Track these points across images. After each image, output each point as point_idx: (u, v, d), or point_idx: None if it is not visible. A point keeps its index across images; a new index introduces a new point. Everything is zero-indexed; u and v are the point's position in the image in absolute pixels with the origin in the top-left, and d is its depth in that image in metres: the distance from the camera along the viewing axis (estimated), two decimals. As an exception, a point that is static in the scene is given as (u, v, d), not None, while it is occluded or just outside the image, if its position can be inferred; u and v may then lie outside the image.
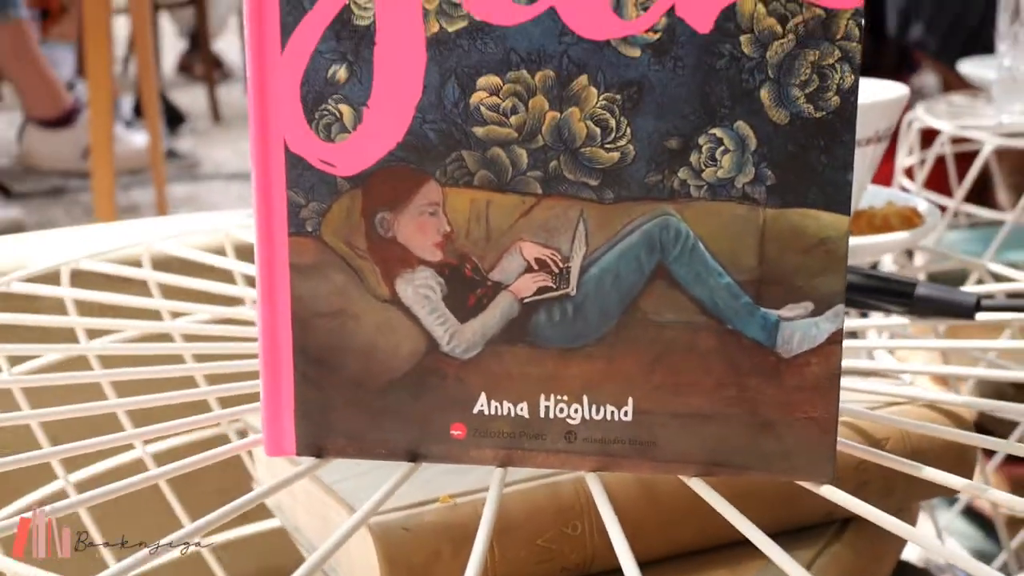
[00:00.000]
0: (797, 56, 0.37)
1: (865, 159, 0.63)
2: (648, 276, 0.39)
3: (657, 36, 0.38)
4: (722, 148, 0.38)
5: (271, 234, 0.40)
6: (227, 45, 4.56)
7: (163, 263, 0.68)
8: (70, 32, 2.83)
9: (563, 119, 0.38)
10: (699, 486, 0.40)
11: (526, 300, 0.40)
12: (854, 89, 0.38)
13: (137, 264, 0.66)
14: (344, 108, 0.39)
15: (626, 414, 0.40)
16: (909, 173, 1.15)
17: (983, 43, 1.20)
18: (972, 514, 1.13)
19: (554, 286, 0.40)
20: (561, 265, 0.40)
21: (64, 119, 2.47)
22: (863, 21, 0.37)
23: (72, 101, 2.50)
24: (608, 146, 0.39)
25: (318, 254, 0.40)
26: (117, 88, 2.78)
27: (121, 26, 3.54)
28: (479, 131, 0.39)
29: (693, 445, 0.40)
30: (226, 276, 0.67)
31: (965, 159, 1.17)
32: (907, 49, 2.25)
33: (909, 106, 2.64)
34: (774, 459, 0.40)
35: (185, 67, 4.43)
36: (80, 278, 0.64)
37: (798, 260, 0.39)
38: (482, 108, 0.39)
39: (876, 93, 0.64)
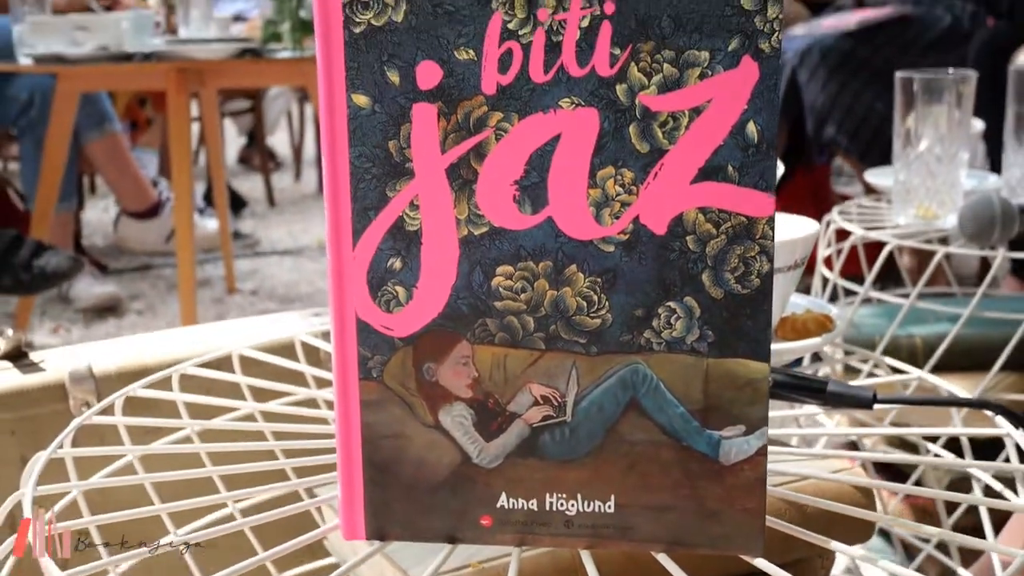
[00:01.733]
0: (728, 251, 0.42)
1: (787, 281, 0.68)
2: (623, 407, 0.44)
3: (626, 237, 0.43)
4: (675, 316, 0.43)
5: (347, 379, 0.45)
6: (279, 141, 4.62)
7: (250, 366, 0.72)
8: (154, 140, 2.89)
9: (559, 296, 0.43)
10: (664, 559, 0.45)
11: (534, 425, 0.45)
12: (770, 273, 0.43)
13: (230, 369, 0.70)
14: (399, 289, 0.44)
15: (610, 507, 0.45)
16: (828, 262, 1.19)
17: (883, 141, 1.24)
18: (885, 533, 1.17)
19: (555, 415, 0.44)
20: (560, 400, 0.44)
21: (151, 211, 2.52)
22: (775, 225, 0.42)
23: (156, 196, 2.55)
24: (592, 315, 0.43)
25: (381, 393, 0.45)
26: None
27: (192, 127, 3.59)
28: (498, 305, 0.44)
29: (659, 529, 0.45)
30: (300, 377, 0.72)
31: (873, 246, 1.22)
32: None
33: (829, 187, 2.67)
34: (719, 539, 0.45)
35: (244, 159, 4.48)
36: (187, 381, 0.69)
37: (733, 395, 0.43)
38: (500, 288, 0.44)
39: (795, 230, 0.69)
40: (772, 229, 0.42)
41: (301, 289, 2.56)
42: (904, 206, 1.12)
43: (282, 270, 2.76)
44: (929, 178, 1.09)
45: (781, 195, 1.74)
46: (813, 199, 2.70)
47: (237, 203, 3.44)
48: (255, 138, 4.14)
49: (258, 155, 3.97)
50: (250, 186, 3.96)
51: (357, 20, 0.42)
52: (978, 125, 1.21)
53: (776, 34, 0.40)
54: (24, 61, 1.94)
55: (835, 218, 1.16)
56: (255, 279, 2.67)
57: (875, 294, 1.08)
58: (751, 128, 0.41)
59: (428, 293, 0.44)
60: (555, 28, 0.41)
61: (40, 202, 2.08)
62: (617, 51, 0.41)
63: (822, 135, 2.15)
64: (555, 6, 0.41)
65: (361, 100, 0.43)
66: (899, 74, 1.10)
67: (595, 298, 0.43)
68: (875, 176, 1.24)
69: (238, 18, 3.95)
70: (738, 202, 0.42)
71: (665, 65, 0.41)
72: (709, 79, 0.41)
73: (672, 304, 0.43)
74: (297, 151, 4.24)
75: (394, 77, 0.42)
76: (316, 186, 3.99)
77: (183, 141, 1.96)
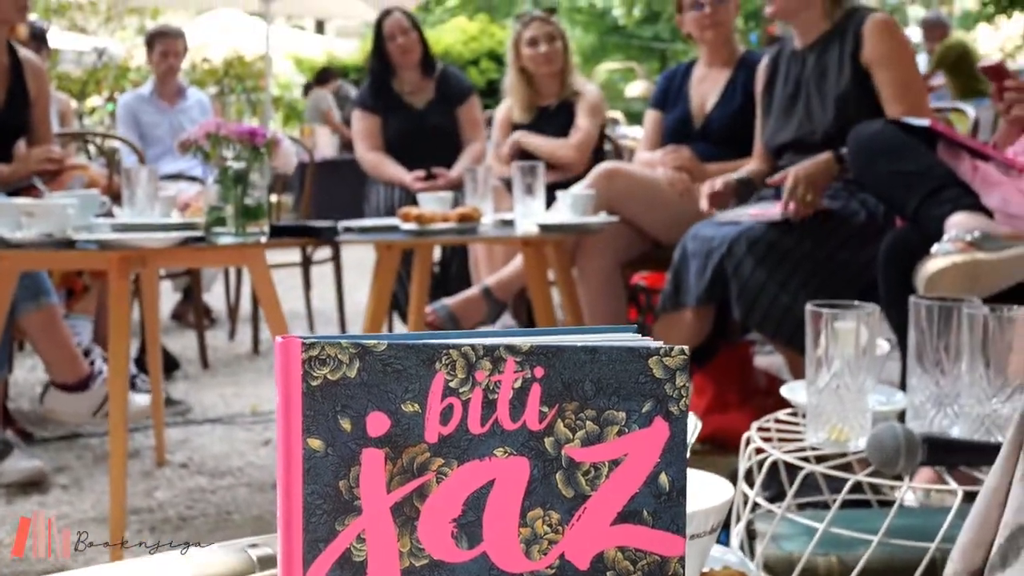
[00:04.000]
0: (644, 585, 0.47)
1: (704, 544, 0.73)
2: None
3: (553, 571, 0.47)
4: (597, 643, 0.48)
5: None
6: (215, 296, 4.64)
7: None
8: (90, 308, 2.90)
9: (492, 623, 0.48)
10: None
11: None
12: (681, 604, 0.48)
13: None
14: (345, 614, 0.48)
15: None
16: (748, 478, 1.25)
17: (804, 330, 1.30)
18: None
19: None
20: None
21: (81, 385, 2.51)
22: (685, 563, 0.47)
23: (88, 369, 2.54)
24: (522, 641, 0.48)
25: None
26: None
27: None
28: (436, 630, 0.48)
29: None
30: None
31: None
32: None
33: (752, 362, 2.74)
34: None
35: (178, 316, 4.49)
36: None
37: None
38: (438, 616, 0.48)
39: (710, 496, 0.75)
40: (683, 566, 0.47)
41: (232, 462, 2.54)
42: (817, 428, 1.19)
43: (213, 440, 2.75)
44: (839, 403, 1.17)
45: (709, 371, 1.81)
46: (739, 373, 2.80)
47: (169, 365, 3.43)
48: (190, 294, 4.15)
49: (193, 312, 3.98)
50: (183, 344, 3.96)
51: (315, 374, 0.47)
52: (884, 347, 1.30)
53: (684, 399, 0.47)
54: (-35, 241, 1.97)
55: (754, 436, 1.23)
56: (186, 449, 2.65)
57: (792, 515, 1.14)
58: (663, 479, 0.47)
59: (372, 618, 0.48)
60: (491, 387, 0.47)
61: (-29, 377, 2.07)
62: (546, 409, 0.47)
63: (749, 321, 2.26)
64: (491, 369, 0.47)
65: (316, 444, 0.47)
66: (809, 306, 1.19)
67: (525, 625, 0.48)
68: (791, 392, 1.31)
69: (179, 176, 4.02)
70: (652, 543, 0.47)
71: (588, 422, 0.47)
72: (626, 436, 0.47)
73: (596, 632, 0.47)
74: (233, 309, 4.26)
75: (346, 425, 0.47)
76: (250, 345, 4.00)
77: (122, 324, 1.99)
